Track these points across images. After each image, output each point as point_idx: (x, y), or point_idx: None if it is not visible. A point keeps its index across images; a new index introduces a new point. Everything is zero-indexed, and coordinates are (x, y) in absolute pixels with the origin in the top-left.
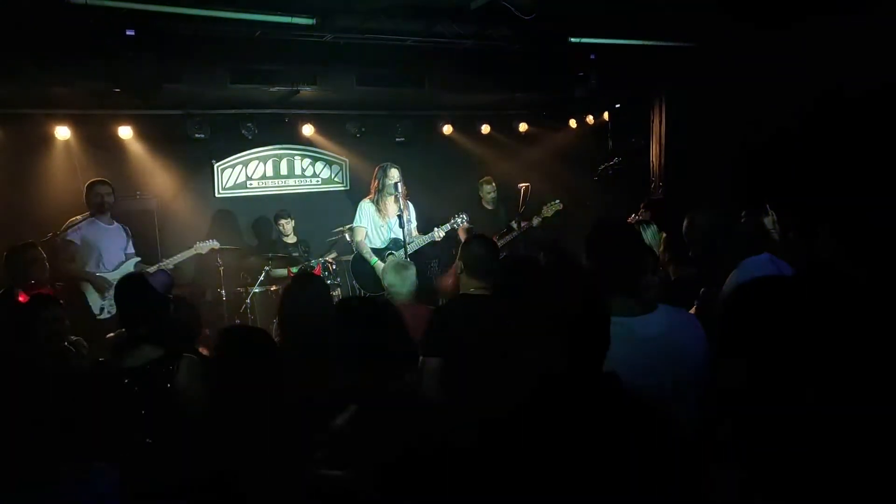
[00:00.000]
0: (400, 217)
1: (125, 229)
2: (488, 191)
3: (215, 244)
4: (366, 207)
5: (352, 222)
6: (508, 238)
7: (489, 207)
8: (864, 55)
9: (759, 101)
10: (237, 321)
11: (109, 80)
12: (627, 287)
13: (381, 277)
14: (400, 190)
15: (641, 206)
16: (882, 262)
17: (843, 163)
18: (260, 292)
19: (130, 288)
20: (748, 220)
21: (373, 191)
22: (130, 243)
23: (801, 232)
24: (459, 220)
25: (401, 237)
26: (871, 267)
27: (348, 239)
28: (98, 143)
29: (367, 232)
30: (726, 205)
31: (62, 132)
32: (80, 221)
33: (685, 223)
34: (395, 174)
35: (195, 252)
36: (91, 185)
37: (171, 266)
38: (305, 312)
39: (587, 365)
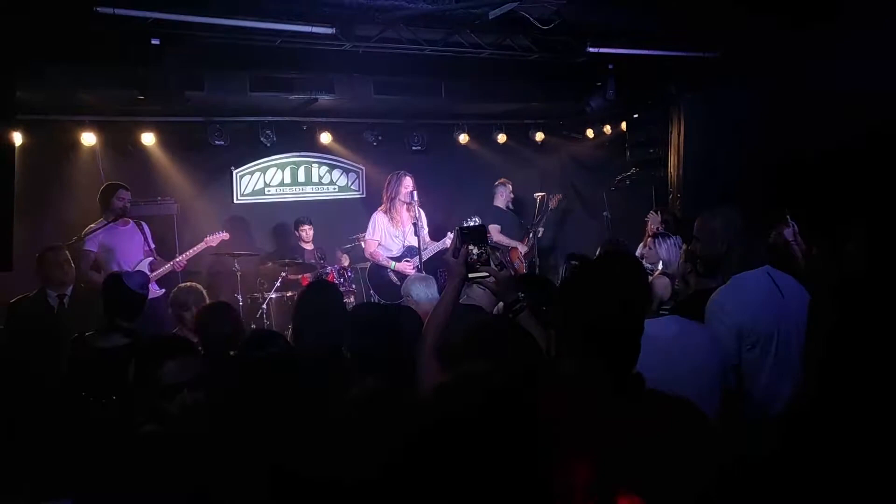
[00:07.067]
0: (415, 224)
1: (140, 225)
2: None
3: (225, 235)
4: (378, 219)
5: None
6: (529, 245)
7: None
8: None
9: (779, 112)
10: (253, 326)
11: (134, 88)
12: None
13: (402, 286)
14: (415, 198)
15: (656, 212)
16: None
17: (872, 175)
18: (276, 298)
19: (109, 284)
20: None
21: (385, 200)
22: (149, 238)
23: (828, 248)
24: (472, 224)
25: (415, 245)
26: None
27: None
28: (122, 148)
29: (378, 243)
30: (746, 217)
31: (88, 138)
32: (96, 229)
33: (696, 225)
34: (408, 182)
35: (205, 245)
36: (112, 189)
37: (183, 262)
38: (320, 319)
39: (619, 366)
